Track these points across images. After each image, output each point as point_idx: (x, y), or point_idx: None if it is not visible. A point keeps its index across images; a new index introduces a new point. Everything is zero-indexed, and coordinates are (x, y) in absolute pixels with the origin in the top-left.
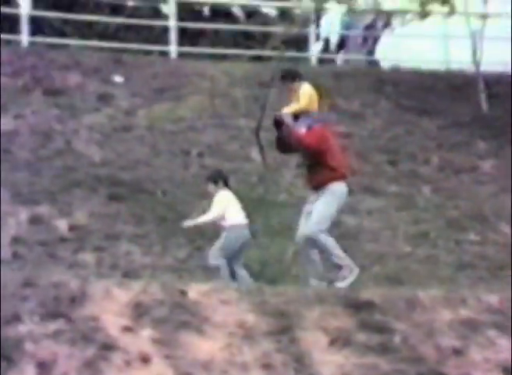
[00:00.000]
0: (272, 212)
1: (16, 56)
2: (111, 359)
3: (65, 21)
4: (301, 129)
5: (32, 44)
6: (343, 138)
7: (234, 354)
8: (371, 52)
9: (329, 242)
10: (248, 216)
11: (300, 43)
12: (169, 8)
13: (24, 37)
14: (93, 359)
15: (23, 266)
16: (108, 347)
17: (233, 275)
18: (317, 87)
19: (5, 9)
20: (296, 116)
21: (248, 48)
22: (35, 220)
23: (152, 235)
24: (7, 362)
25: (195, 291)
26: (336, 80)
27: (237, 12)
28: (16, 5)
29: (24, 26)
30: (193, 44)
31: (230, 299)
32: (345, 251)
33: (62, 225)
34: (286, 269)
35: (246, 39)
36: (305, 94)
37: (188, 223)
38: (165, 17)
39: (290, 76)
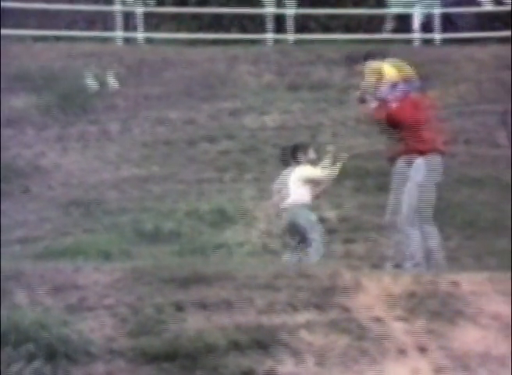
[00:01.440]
0: None
1: (281, 54)
2: (385, 349)
3: (331, 16)
4: (390, 102)
5: (298, 41)
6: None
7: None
8: None
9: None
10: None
11: None
12: None
13: (290, 36)
14: (367, 349)
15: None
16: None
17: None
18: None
19: (273, 9)
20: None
21: (495, 29)
22: None
23: None
24: (285, 349)
25: (467, 281)
26: None
27: None
28: (282, 5)
29: (290, 25)
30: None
31: (505, 289)
32: None
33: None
34: None
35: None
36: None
37: None
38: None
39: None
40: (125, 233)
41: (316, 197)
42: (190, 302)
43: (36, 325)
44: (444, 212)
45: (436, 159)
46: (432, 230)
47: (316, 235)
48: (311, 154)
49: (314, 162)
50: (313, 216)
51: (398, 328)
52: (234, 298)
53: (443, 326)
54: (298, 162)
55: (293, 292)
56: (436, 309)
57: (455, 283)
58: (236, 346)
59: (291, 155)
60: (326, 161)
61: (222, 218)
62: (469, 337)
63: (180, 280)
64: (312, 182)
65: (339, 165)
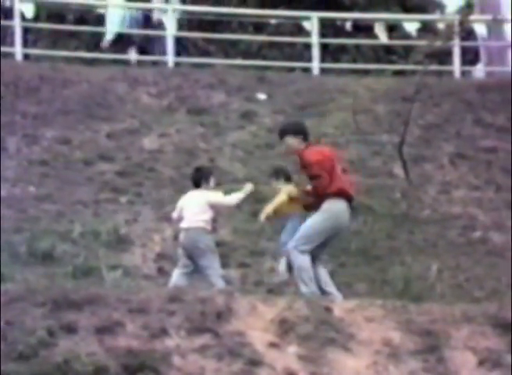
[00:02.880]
0: (416, 229)
1: (161, 77)
2: (257, 374)
3: (209, 40)
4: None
5: (177, 64)
6: (487, 153)
7: (380, 372)
8: None
9: (303, 263)
10: (391, 231)
11: (442, 56)
12: (311, 25)
13: (170, 58)
14: (240, 374)
15: (168, 282)
16: (254, 362)
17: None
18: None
19: (152, 31)
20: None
21: (390, 62)
22: None
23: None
24: (155, 374)
25: (340, 307)
26: (480, 93)
27: (379, 27)
28: (162, 28)
29: (170, 47)
30: (335, 59)
31: (375, 316)
32: (492, 268)
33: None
34: (430, 286)
35: (387, 54)
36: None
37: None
38: (307, 34)
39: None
40: (18, 253)
41: (214, 221)
42: (64, 326)
43: None
44: (339, 240)
45: (343, 205)
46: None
47: (215, 261)
48: (213, 179)
49: (214, 187)
50: (211, 241)
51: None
52: (106, 323)
53: (315, 352)
54: (203, 186)
55: (186, 316)
56: (309, 334)
57: (328, 310)
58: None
59: (198, 178)
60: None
61: (118, 239)
62: (339, 363)
63: (52, 304)
64: (214, 206)
65: (243, 191)
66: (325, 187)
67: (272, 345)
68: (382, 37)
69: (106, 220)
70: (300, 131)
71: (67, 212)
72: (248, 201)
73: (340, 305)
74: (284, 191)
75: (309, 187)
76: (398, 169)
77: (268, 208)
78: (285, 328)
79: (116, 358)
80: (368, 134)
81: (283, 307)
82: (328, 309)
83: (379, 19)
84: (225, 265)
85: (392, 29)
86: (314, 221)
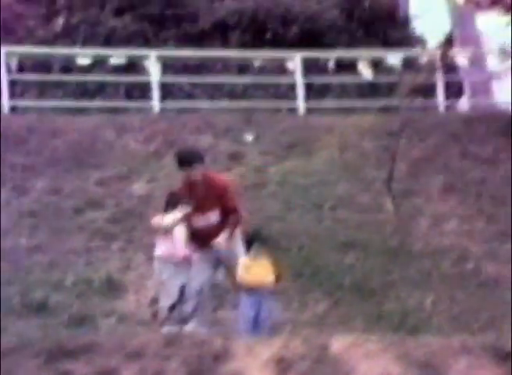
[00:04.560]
0: (409, 262)
1: (148, 122)
2: None
3: (194, 84)
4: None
5: (163, 109)
6: (477, 185)
7: None
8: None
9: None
10: (385, 266)
11: (426, 91)
12: (295, 65)
13: (155, 103)
14: None
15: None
16: None
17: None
18: None
19: (136, 77)
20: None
21: (375, 98)
22: None
23: (290, 290)
24: None
25: (337, 344)
26: (466, 125)
27: (362, 64)
28: (146, 73)
29: (155, 93)
30: (320, 98)
31: (373, 351)
32: (486, 299)
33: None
34: (426, 319)
35: (371, 90)
36: None
37: None
38: (291, 73)
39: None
40: (11, 305)
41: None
42: None
43: None
44: (333, 277)
45: None
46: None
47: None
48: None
49: None
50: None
51: None
52: (103, 370)
53: None
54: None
55: (183, 359)
56: (307, 372)
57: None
58: None
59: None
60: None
61: (111, 286)
62: None
63: (47, 354)
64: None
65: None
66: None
67: None
68: (366, 74)
69: (99, 268)
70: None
71: (59, 261)
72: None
73: (337, 342)
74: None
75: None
76: (388, 204)
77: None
78: (282, 367)
79: None
80: (356, 171)
81: (280, 346)
82: (325, 346)
83: (361, 56)
84: (219, 306)
85: (376, 65)
86: None
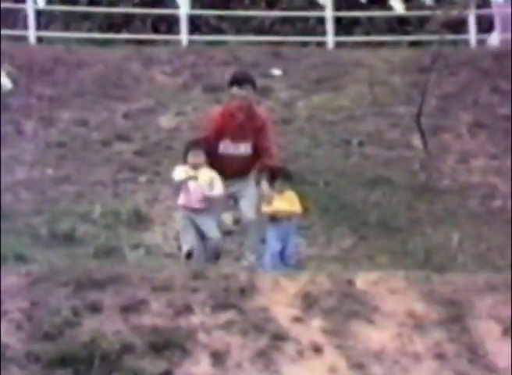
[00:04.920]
0: (435, 199)
1: (175, 55)
2: (283, 349)
3: (222, 18)
4: None
5: (191, 42)
6: (505, 121)
7: (405, 344)
8: None
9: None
10: (411, 203)
11: (458, 25)
12: None
13: (183, 37)
14: (265, 349)
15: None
16: (279, 337)
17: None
18: None
19: (164, 10)
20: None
21: (405, 33)
22: None
23: (316, 226)
24: (181, 351)
25: (362, 280)
26: (496, 61)
27: None
28: (174, 6)
29: (183, 26)
30: (349, 33)
31: (398, 288)
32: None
33: (227, 219)
34: (452, 256)
35: (402, 25)
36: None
37: None
38: (320, 8)
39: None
40: (39, 235)
41: None
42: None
43: None
44: (359, 213)
45: None
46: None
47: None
48: None
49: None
50: None
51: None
52: (130, 301)
53: (339, 325)
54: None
55: (210, 292)
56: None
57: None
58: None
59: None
60: None
61: (139, 219)
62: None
63: (75, 284)
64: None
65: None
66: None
67: (296, 320)
68: (398, 8)
69: (126, 200)
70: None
71: (86, 192)
72: None
73: (363, 278)
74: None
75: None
76: (416, 141)
77: None
78: (308, 302)
79: (142, 336)
80: (385, 106)
81: (306, 281)
82: (351, 282)
83: None
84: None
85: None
86: None
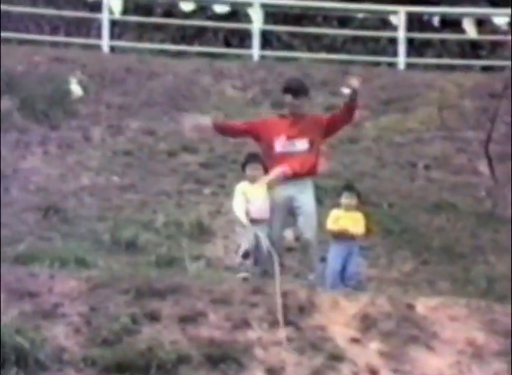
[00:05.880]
0: (500, 228)
1: (246, 70)
2: (339, 369)
3: (294, 34)
4: None
5: (262, 57)
6: None
7: (463, 372)
8: None
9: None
10: (475, 230)
11: None
12: (399, 19)
13: (255, 51)
14: (321, 368)
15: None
16: (336, 357)
17: None
18: None
19: (237, 25)
20: None
21: (477, 57)
22: None
23: (378, 247)
24: (237, 365)
25: (422, 305)
26: None
27: (468, 21)
28: (247, 20)
29: (255, 41)
30: (420, 54)
31: (459, 315)
32: None
33: (289, 235)
34: None
35: (474, 49)
36: None
37: None
38: (393, 28)
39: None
40: (101, 241)
41: None
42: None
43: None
44: (422, 237)
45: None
46: None
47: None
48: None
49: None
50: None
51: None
52: (189, 312)
53: (397, 349)
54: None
55: (268, 308)
56: (391, 331)
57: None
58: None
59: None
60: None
61: (201, 230)
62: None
63: (135, 292)
64: None
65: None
66: None
67: (354, 341)
68: (471, 32)
69: (189, 211)
70: None
71: (150, 202)
72: (330, 195)
73: (423, 303)
74: None
75: None
76: (483, 167)
77: None
78: (367, 324)
79: (199, 347)
80: (454, 130)
81: (365, 303)
82: (411, 306)
83: (468, 13)
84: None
85: (480, 23)
86: None
